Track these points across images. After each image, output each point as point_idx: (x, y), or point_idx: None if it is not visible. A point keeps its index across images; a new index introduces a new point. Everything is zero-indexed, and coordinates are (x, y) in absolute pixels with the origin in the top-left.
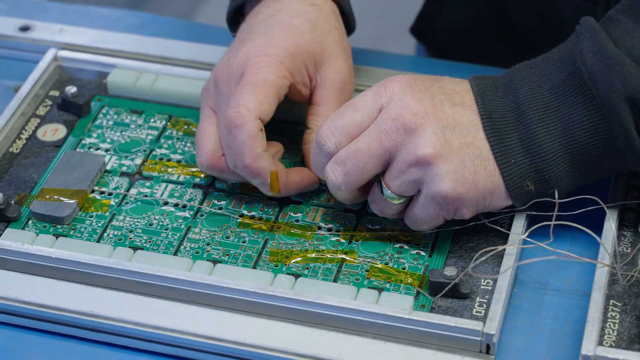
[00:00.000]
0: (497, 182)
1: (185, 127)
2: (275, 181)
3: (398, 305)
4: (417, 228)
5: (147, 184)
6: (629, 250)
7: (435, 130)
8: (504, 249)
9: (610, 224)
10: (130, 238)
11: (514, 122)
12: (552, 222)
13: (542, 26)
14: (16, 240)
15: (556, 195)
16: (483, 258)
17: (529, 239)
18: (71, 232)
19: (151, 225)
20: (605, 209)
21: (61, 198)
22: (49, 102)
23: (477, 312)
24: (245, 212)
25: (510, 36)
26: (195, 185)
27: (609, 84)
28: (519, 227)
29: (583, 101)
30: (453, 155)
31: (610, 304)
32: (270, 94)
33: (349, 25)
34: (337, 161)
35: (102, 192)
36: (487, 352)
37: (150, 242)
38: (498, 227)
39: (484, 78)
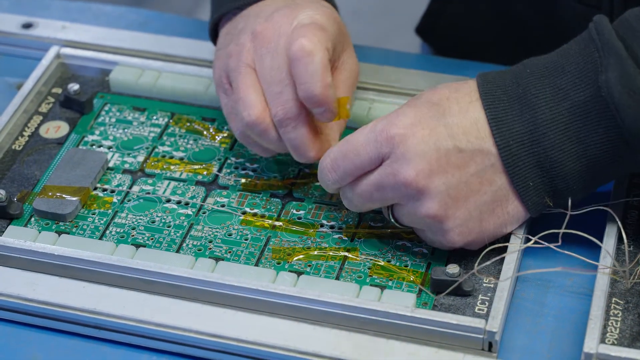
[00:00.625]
0: (511, 217)
1: (188, 124)
2: (344, 106)
3: (400, 302)
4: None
5: (150, 181)
6: (631, 248)
7: (439, 190)
8: (507, 249)
9: (613, 225)
10: (133, 235)
11: (532, 145)
12: (562, 231)
13: (546, 26)
14: (19, 237)
15: (569, 205)
16: (488, 262)
17: (533, 238)
18: (74, 230)
19: (153, 222)
20: (615, 216)
21: (64, 195)
22: (52, 100)
23: (479, 310)
24: (247, 209)
25: (515, 36)
26: (197, 183)
27: (638, 121)
28: (521, 227)
29: (605, 126)
30: (459, 211)
31: (613, 302)
32: (330, 39)
33: None
34: (344, 195)
35: (104, 190)
36: (490, 350)
37: (152, 239)
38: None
39: (493, 88)
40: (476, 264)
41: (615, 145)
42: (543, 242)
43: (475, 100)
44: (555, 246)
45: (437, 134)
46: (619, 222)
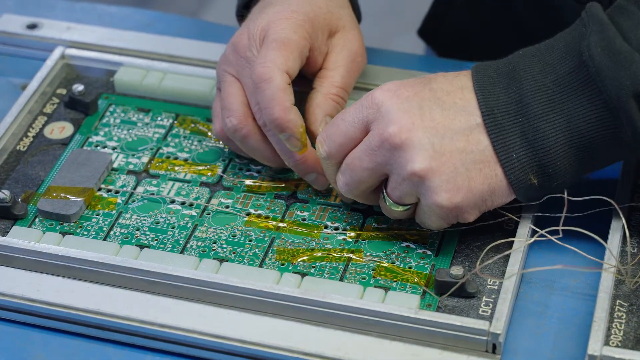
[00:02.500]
0: (496, 183)
1: (192, 125)
2: (304, 134)
3: (404, 304)
4: (430, 229)
5: (154, 182)
6: (636, 250)
7: (423, 143)
8: (511, 249)
9: (618, 225)
10: (137, 236)
11: (516, 115)
12: (566, 227)
13: (548, 28)
14: (23, 237)
15: (565, 197)
16: (490, 260)
17: (538, 229)
18: (78, 230)
19: (158, 223)
20: (618, 209)
21: (68, 196)
22: (56, 100)
23: (483, 311)
24: (252, 210)
25: (517, 39)
26: (202, 184)
27: (618, 81)
28: (525, 227)
29: (589, 95)
30: (444, 165)
31: (617, 304)
32: (294, 51)
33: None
34: (341, 171)
35: (108, 190)
36: (494, 351)
37: (156, 240)
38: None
39: (485, 67)
40: (478, 263)
41: (601, 118)
42: (547, 235)
43: (464, 75)
44: (557, 239)
45: (421, 95)
46: (624, 220)
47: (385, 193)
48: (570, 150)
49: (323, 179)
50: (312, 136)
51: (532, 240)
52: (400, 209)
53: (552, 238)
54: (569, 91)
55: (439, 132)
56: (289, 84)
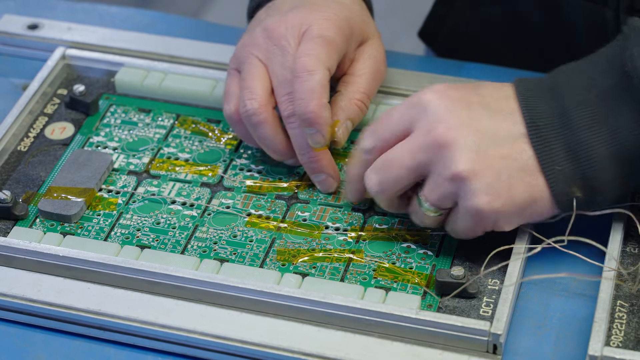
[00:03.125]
0: (538, 193)
1: (193, 125)
2: (330, 135)
3: (405, 304)
4: (460, 238)
5: (155, 182)
6: (636, 251)
7: (469, 144)
8: (512, 254)
9: (618, 229)
10: (138, 236)
11: (560, 128)
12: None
13: (552, 26)
14: (24, 238)
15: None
16: (493, 268)
17: (539, 235)
18: (78, 231)
19: (158, 223)
20: (634, 217)
21: (69, 196)
22: (57, 101)
23: (484, 312)
24: (252, 211)
25: (520, 40)
26: (202, 184)
27: None
28: (524, 232)
29: (633, 106)
30: (487, 169)
31: (618, 304)
32: (337, 52)
33: None
34: (373, 168)
35: (109, 191)
36: (494, 352)
37: (157, 240)
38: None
39: (527, 81)
40: (482, 268)
41: None
42: (547, 240)
43: (508, 85)
44: (560, 246)
45: (469, 98)
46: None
47: (421, 196)
48: (614, 162)
49: (331, 181)
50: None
51: (537, 249)
52: (435, 214)
53: (557, 245)
54: (612, 104)
55: (485, 136)
56: (329, 83)
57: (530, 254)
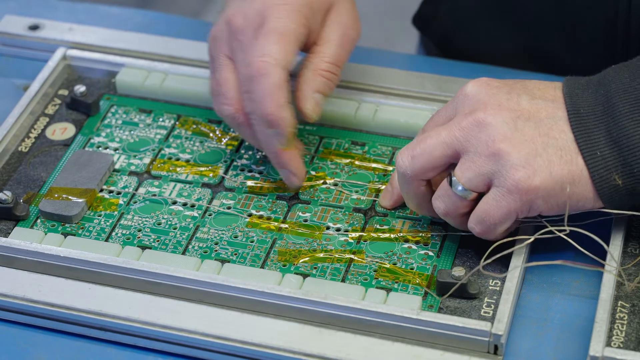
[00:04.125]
0: (577, 172)
1: (194, 126)
2: (293, 134)
3: (406, 305)
4: (487, 231)
5: (156, 183)
6: (637, 252)
7: (507, 122)
8: (513, 249)
9: (620, 228)
10: (139, 237)
11: (602, 115)
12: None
13: (552, 12)
14: (25, 238)
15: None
16: (493, 258)
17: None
18: (79, 231)
19: (159, 224)
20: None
21: (70, 197)
22: (58, 101)
23: (485, 312)
24: (253, 211)
25: (517, 25)
26: (203, 185)
27: None
28: (527, 228)
29: None
30: (525, 144)
31: (619, 305)
32: (293, 43)
33: None
34: (407, 146)
35: (110, 191)
36: (495, 352)
37: (158, 241)
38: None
39: (577, 78)
40: (482, 260)
41: None
42: (550, 226)
43: (557, 83)
44: (560, 237)
45: (511, 85)
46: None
47: (454, 175)
48: None
49: (294, 178)
50: (301, 114)
51: (538, 235)
52: (466, 196)
53: (558, 232)
54: None
55: (523, 116)
56: (286, 80)
57: (533, 238)
